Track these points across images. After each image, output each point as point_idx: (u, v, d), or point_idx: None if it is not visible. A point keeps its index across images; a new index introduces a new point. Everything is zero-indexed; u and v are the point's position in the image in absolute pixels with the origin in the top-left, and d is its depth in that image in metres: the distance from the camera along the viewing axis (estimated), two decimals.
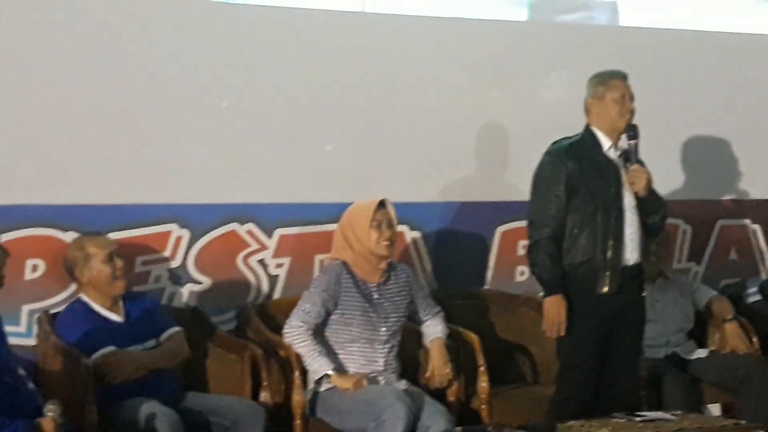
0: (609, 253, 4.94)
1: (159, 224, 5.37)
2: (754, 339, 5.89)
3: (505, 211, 6.07)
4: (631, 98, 5.02)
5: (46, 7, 5.24)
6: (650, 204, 5.08)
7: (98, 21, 5.34)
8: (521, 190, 5.43)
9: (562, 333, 4.95)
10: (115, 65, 5.35)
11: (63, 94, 5.25)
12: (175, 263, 5.42)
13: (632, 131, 5.01)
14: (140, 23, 5.45)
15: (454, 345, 5.27)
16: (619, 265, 4.97)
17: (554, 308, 4.95)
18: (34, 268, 5.10)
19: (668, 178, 6.17)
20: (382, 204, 5.10)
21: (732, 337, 5.88)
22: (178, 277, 5.43)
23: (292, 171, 5.73)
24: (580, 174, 4.96)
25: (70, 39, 5.26)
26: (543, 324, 5.02)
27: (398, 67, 5.99)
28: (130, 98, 5.41)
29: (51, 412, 3.97)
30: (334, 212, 5.37)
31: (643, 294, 5.23)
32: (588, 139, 5.06)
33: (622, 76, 5.06)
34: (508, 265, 6.13)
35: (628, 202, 5.02)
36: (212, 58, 5.59)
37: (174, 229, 5.40)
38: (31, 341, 4.92)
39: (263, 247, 5.59)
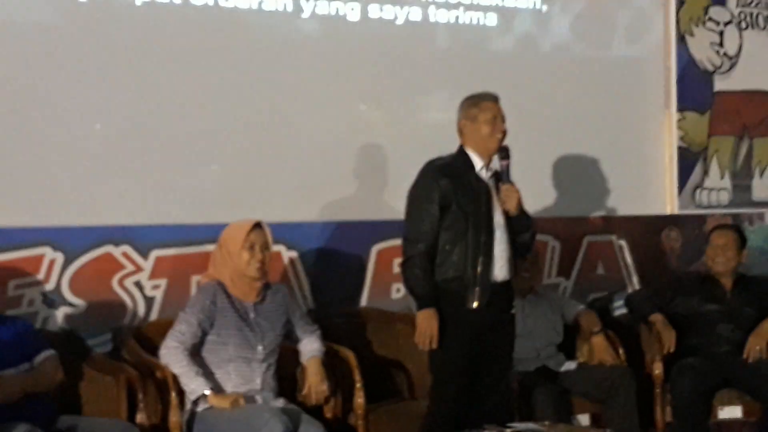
0: (479, 270, 4.96)
1: (31, 247, 5.26)
2: (621, 351, 5.95)
3: (380, 229, 6.08)
4: (502, 120, 5.05)
5: None
6: (520, 222, 5.12)
7: None
8: (397, 209, 5.40)
9: (435, 345, 4.95)
10: None
11: None
12: (48, 286, 5.30)
13: (504, 152, 5.05)
14: (10, 43, 5.34)
15: (331, 362, 5.26)
16: (488, 281, 4.99)
17: (426, 321, 4.95)
18: None
19: (537, 196, 6.22)
20: (258, 225, 5.07)
21: (599, 349, 5.93)
22: (52, 300, 5.30)
23: (168, 192, 5.68)
24: (452, 192, 4.97)
25: None
26: (415, 337, 5.01)
27: (275, 88, 5.98)
28: None
29: None
30: (210, 233, 5.34)
31: (513, 310, 5.25)
32: (461, 159, 5.08)
33: (494, 98, 5.09)
34: (384, 282, 6.14)
35: (498, 220, 5.04)
36: (84, 78, 5.51)
37: (47, 252, 5.28)
38: None
39: (139, 269, 5.51)
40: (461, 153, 5.08)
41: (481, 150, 5.04)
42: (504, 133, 5.05)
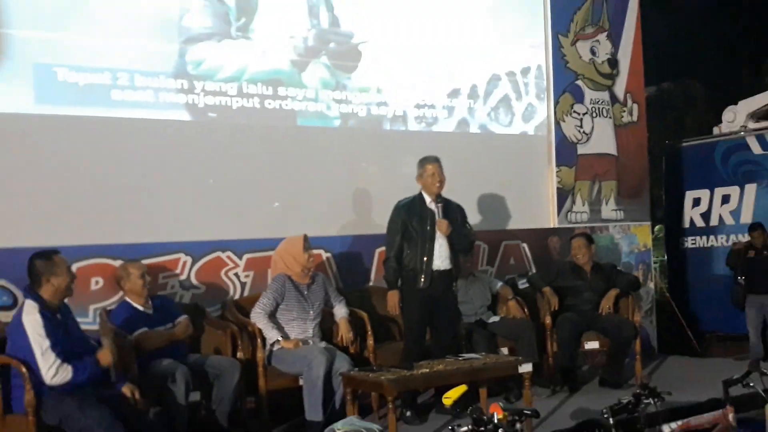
0: (424, 264, 5.07)
1: (172, 254, 5.35)
2: (525, 309, 6.01)
3: (380, 240, 5.82)
4: (439, 173, 5.12)
5: None
6: (453, 240, 5.20)
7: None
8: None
9: (397, 311, 5.15)
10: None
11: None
12: (183, 277, 5.38)
13: (439, 199, 5.15)
14: (159, 133, 5.40)
15: (353, 319, 5.31)
16: (429, 271, 5.07)
17: (391, 298, 5.16)
18: (96, 282, 5.06)
19: (474, 218, 6.28)
20: (306, 238, 5.17)
21: (512, 309, 5.99)
22: (185, 285, 5.38)
23: (251, 220, 5.70)
24: (408, 219, 5.11)
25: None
26: (386, 307, 5.20)
27: (315, 159, 5.98)
28: (156, 166, 5.38)
29: (105, 343, 4.01)
30: (276, 244, 5.33)
31: (454, 287, 5.31)
32: (419, 197, 5.20)
33: (432, 160, 5.18)
34: (382, 272, 5.77)
35: (439, 234, 5.12)
36: (204, 151, 5.58)
37: (182, 257, 5.38)
38: (95, 327, 4.82)
39: (236, 266, 5.56)
40: (420, 193, 5.19)
41: (427, 192, 5.15)
42: (441, 182, 5.11)
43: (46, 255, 4.04)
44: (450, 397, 3.14)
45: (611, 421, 3.39)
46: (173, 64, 5.48)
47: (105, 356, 3.97)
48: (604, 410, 3.41)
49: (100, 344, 4.15)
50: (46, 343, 3.84)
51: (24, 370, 3.82)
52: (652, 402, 3.51)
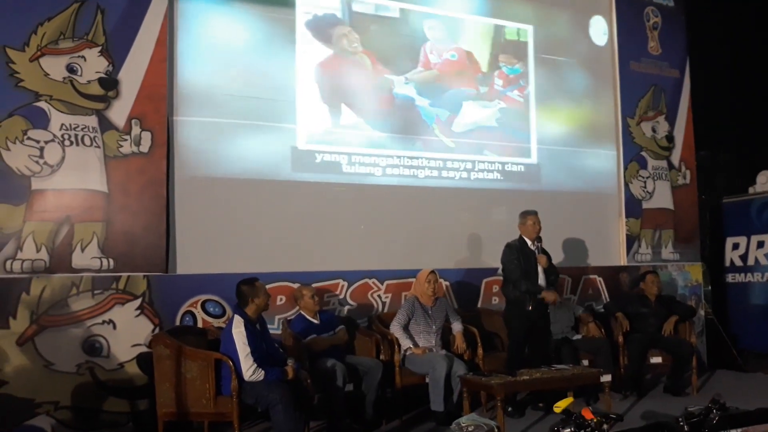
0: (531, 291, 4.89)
1: (334, 279, 5.31)
2: (602, 330, 5.69)
3: (485, 272, 5.88)
4: (537, 223, 4.98)
5: None
6: (550, 272, 5.01)
7: None
8: (488, 263, 5.53)
9: (560, 299, 5.16)
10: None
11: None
12: (341, 297, 5.34)
13: (539, 241, 4.98)
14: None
15: (467, 334, 5.12)
16: (535, 297, 4.89)
17: (547, 295, 4.95)
18: (281, 299, 5.08)
19: (561, 259, 6.14)
20: (432, 271, 5.07)
21: (592, 329, 5.68)
22: (343, 303, 5.35)
23: (391, 256, 5.61)
24: (518, 256, 4.91)
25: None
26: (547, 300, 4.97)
27: (437, 217, 5.84)
28: (326, 218, 5.34)
29: (290, 362, 3.97)
30: (411, 274, 5.32)
31: (548, 311, 5.10)
32: (521, 240, 5.01)
33: (534, 213, 5.03)
34: (488, 296, 5.89)
35: (540, 269, 4.94)
36: (353, 207, 5.49)
37: (341, 282, 5.33)
38: (279, 332, 4.86)
39: (379, 289, 5.48)
40: (521, 237, 5.01)
41: (528, 237, 4.97)
42: (539, 230, 4.97)
43: (250, 282, 4.08)
44: (560, 406, 2.95)
45: (685, 427, 3.11)
46: (351, 149, 5.56)
47: (290, 371, 3.96)
48: (680, 418, 3.15)
49: (284, 349, 4.12)
50: (247, 350, 3.85)
51: (231, 364, 3.87)
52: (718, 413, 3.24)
